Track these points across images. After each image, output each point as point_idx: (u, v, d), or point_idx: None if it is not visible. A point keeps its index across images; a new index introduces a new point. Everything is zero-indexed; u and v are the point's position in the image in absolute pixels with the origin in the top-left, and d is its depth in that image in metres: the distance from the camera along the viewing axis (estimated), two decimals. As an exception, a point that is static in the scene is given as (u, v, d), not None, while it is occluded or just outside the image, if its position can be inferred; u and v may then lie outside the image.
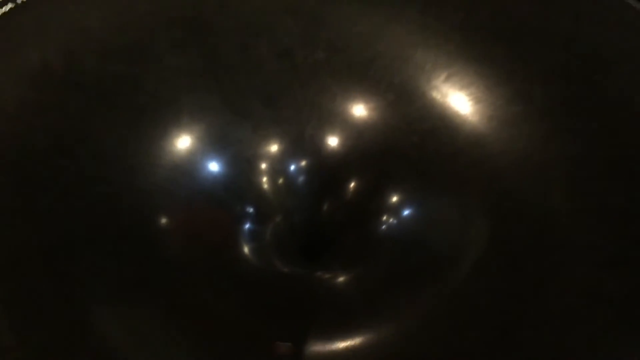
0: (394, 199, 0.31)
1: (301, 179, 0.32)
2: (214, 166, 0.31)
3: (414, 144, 0.30)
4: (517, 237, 0.27)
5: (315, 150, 0.31)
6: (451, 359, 0.26)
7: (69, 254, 0.26)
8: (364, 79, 0.31)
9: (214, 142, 0.31)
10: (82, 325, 0.24)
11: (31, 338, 0.23)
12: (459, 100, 0.31)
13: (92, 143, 0.29)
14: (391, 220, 0.30)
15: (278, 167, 0.32)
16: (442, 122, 0.30)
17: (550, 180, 0.28)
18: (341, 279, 0.30)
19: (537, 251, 0.27)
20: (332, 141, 0.31)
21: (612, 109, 0.29)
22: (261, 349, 0.26)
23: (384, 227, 0.30)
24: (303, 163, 0.32)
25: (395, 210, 0.31)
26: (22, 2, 0.30)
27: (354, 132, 0.31)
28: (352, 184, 0.31)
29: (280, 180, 0.32)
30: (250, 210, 0.31)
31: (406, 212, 0.30)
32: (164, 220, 0.29)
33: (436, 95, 0.31)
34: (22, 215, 0.27)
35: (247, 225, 0.31)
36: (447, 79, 0.31)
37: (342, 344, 0.27)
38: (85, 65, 0.30)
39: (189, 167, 0.30)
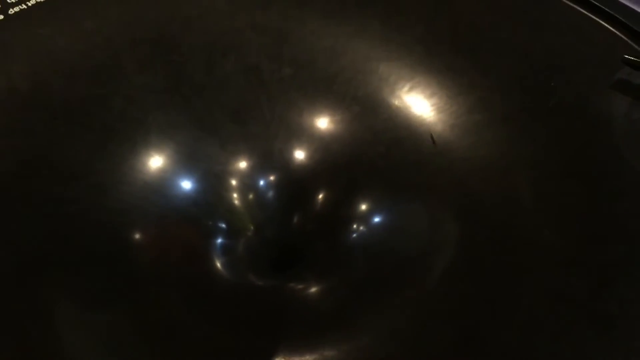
0: (363, 207, 0.31)
1: (271, 193, 0.32)
2: (184, 183, 0.31)
3: (380, 154, 0.31)
4: (483, 240, 0.28)
5: (284, 164, 0.32)
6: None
7: (40, 272, 0.26)
8: (330, 93, 0.32)
9: (183, 159, 0.31)
10: (53, 341, 0.24)
11: (1, 355, 0.23)
12: (423, 110, 0.31)
13: (61, 164, 0.29)
14: (361, 228, 0.31)
15: (248, 182, 0.32)
16: (407, 131, 0.31)
17: (513, 184, 0.29)
18: (314, 289, 0.30)
19: (502, 253, 0.27)
20: (300, 154, 0.32)
21: (569, 114, 0.30)
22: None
23: (354, 235, 0.31)
24: (272, 177, 0.32)
25: (365, 218, 0.31)
26: (-13, 26, 0.30)
27: (322, 144, 0.32)
28: (321, 196, 0.32)
29: (251, 195, 0.32)
30: (222, 225, 0.32)
31: (375, 220, 0.31)
32: (135, 237, 0.29)
33: (400, 106, 0.32)
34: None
35: (219, 240, 0.31)
36: (411, 90, 0.32)
37: (314, 355, 0.27)
38: (52, 86, 0.30)
39: (159, 184, 0.30)
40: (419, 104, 0.32)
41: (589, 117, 0.30)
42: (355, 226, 0.31)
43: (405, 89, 0.32)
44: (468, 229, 0.29)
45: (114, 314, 0.26)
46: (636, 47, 0.31)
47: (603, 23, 0.33)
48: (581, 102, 0.30)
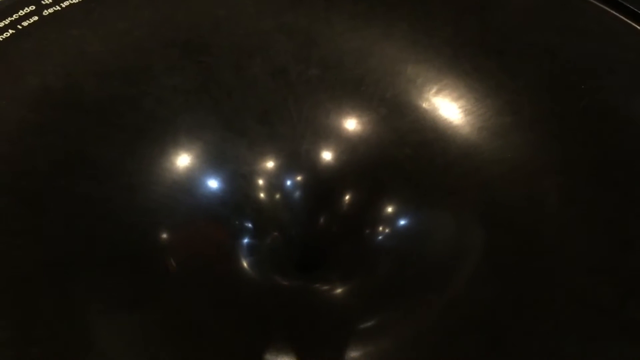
0: (389, 210, 0.31)
1: (297, 193, 0.32)
2: (211, 183, 0.31)
3: (407, 156, 0.31)
4: (509, 245, 0.28)
5: (311, 165, 0.32)
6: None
7: (70, 271, 0.26)
8: (357, 94, 0.32)
9: (211, 159, 0.31)
10: (82, 340, 0.25)
11: (31, 352, 0.24)
12: (450, 112, 0.31)
13: (91, 163, 0.30)
14: (386, 231, 0.31)
15: (275, 182, 0.32)
16: (434, 134, 0.31)
17: (541, 188, 0.29)
18: (339, 290, 0.30)
19: (529, 259, 0.27)
20: (327, 155, 0.32)
21: (599, 118, 0.29)
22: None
23: (379, 237, 0.31)
24: (299, 178, 0.32)
25: (390, 221, 0.31)
26: (22, 27, 0.31)
27: (348, 146, 0.32)
28: (348, 197, 0.32)
29: (277, 196, 0.32)
30: (248, 225, 0.32)
31: (401, 223, 0.31)
32: (163, 236, 0.30)
33: (428, 108, 0.32)
34: (24, 235, 0.27)
35: (245, 240, 0.32)
36: (438, 92, 0.32)
37: (338, 355, 0.27)
38: (84, 87, 0.30)
39: (187, 184, 0.31)
40: (447, 106, 0.31)
41: (620, 121, 0.30)
42: (380, 228, 0.31)
43: (433, 91, 0.32)
44: (494, 233, 0.28)
45: (142, 313, 0.27)
46: (669, 50, 0.30)
47: (635, 25, 0.32)
48: (612, 105, 0.30)
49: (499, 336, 0.25)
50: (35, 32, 0.31)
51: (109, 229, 0.29)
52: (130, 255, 0.28)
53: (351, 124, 0.32)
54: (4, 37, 0.30)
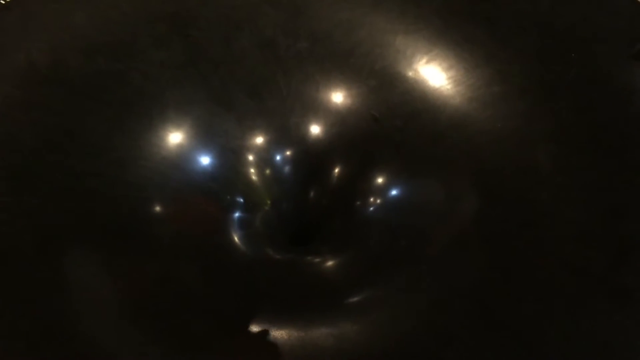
0: (379, 181, 0.31)
1: (287, 168, 0.32)
2: (201, 158, 0.31)
3: (397, 128, 0.31)
4: (500, 213, 0.28)
5: (300, 139, 0.32)
6: (438, 337, 0.26)
7: (60, 244, 0.26)
8: (346, 67, 0.32)
9: (200, 134, 0.31)
10: (71, 311, 0.25)
11: (23, 324, 0.24)
12: (440, 83, 0.31)
13: (80, 138, 0.29)
14: (377, 202, 0.31)
15: (264, 157, 0.32)
16: (424, 105, 0.31)
17: (531, 157, 0.28)
18: (330, 263, 0.30)
19: (520, 226, 0.27)
20: (316, 129, 0.32)
21: (589, 87, 0.29)
22: (250, 335, 0.26)
23: (370, 209, 0.31)
24: (288, 152, 0.32)
25: (381, 192, 0.31)
26: (6, 2, 0.30)
27: (338, 119, 0.32)
28: (337, 170, 0.32)
29: (267, 170, 0.32)
30: (240, 199, 0.32)
31: (392, 194, 0.31)
32: (153, 211, 0.29)
33: (417, 79, 0.31)
34: (13, 211, 0.27)
35: (236, 214, 0.31)
36: (428, 63, 0.31)
37: (331, 329, 0.27)
38: (70, 62, 0.30)
39: (176, 159, 0.31)
40: (436, 76, 0.31)
41: (611, 89, 0.29)
42: (371, 200, 0.31)
43: (423, 61, 0.31)
44: (485, 202, 0.28)
45: (132, 285, 0.27)
46: (660, 16, 0.30)
47: (627, -7, 0.32)
48: (603, 73, 0.30)
49: (489, 304, 0.25)
50: (19, 7, 0.31)
51: (99, 203, 0.28)
52: (120, 229, 0.28)
53: (340, 96, 0.32)
54: (-13, 13, 0.30)
